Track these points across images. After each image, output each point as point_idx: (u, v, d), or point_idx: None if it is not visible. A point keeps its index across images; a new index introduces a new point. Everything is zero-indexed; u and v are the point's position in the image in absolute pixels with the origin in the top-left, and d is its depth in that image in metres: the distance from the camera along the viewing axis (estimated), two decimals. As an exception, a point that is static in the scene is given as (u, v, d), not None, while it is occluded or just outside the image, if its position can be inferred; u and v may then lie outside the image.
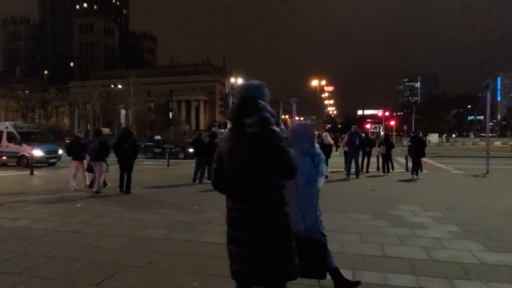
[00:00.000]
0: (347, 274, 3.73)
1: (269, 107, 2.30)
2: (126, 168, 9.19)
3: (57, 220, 6.18)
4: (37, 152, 16.96)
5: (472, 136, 68.74)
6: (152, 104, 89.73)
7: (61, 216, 6.50)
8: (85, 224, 5.93)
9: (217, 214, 6.63)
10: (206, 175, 11.40)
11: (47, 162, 17.57)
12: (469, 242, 4.83)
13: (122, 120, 16.44)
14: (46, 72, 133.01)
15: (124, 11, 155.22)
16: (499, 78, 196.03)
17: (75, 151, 10.20)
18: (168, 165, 16.88)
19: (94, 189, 9.20)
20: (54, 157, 18.06)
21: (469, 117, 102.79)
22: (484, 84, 13.01)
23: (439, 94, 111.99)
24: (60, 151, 18.68)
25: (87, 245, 4.76)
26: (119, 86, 60.27)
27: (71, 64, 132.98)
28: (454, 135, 67.93)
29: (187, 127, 71.51)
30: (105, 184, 9.51)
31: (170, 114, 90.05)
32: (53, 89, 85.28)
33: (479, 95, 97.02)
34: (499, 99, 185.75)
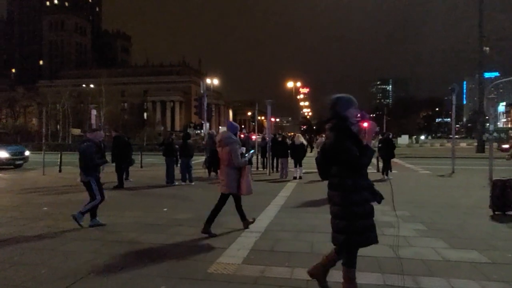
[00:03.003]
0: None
1: (347, 112, 3.01)
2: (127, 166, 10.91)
3: (22, 225, 5.95)
4: (2, 154, 16.23)
5: (429, 138, 70.84)
6: (125, 104, 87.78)
7: (26, 220, 6.25)
8: (52, 228, 5.73)
9: (188, 216, 6.59)
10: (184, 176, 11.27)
11: (13, 164, 16.83)
12: (433, 240, 5.03)
13: (93, 121, 16.01)
14: (13, 70, 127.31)
15: (97, 9, 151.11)
16: (464, 82, 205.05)
17: None
18: (141, 167, 16.55)
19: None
20: (21, 159, 17.31)
21: (437, 119, 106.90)
22: (450, 88, 13.53)
23: (409, 97, 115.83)
24: (27, 153, 17.93)
25: (52, 250, 4.60)
26: (91, 86, 58.55)
27: (40, 62, 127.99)
28: (423, 137, 70.34)
29: (162, 128, 70.41)
30: None
31: (145, 114, 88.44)
32: (21, 88, 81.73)
33: (445, 98, 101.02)
34: (465, 102, 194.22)
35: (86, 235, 5.32)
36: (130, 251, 4.55)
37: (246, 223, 5.62)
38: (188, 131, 28.05)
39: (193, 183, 11.15)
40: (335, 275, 3.44)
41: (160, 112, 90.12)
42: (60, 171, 14.64)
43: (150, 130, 56.94)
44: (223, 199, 5.40)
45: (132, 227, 5.76)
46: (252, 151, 6.39)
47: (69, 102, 58.17)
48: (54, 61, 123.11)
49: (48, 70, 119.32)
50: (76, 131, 57.67)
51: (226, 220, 6.24)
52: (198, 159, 15.39)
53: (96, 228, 5.69)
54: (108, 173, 11.98)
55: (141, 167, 16.61)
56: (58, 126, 60.91)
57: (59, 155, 15.44)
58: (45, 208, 7.33)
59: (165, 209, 7.06)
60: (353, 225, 2.97)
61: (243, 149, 5.53)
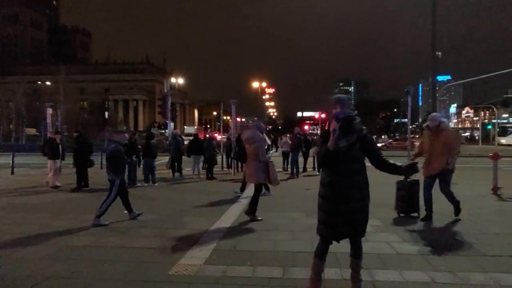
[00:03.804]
0: (277, 272, 3.89)
1: (333, 111, 3.14)
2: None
3: (-32, 231, 5.56)
4: None
5: (386, 137, 73.38)
6: (85, 103, 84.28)
7: (-27, 227, 5.86)
8: (2, 233, 5.41)
9: (151, 217, 6.47)
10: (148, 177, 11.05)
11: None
12: (388, 235, 5.29)
13: (49, 120, 15.23)
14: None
15: (54, 3, 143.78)
16: (420, 85, 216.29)
17: (49, 151, 10.67)
18: (101, 168, 15.96)
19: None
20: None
21: (395, 119, 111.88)
22: (406, 90, 14.15)
23: (370, 98, 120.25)
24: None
25: (3, 257, 4.35)
26: (48, 83, 55.59)
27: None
28: (383, 136, 73.35)
29: (125, 127, 68.28)
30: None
31: (106, 114, 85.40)
32: (-31, 85, 76.03)
33: (402, 100, 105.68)
34: (420, 103, 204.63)
35: (41, 240, 5.08)
36: (88, 255, 4.40)
37: (253, 218, 6.17)
38: (152, 131, 27.46)
39: (156, 184, 10.96)
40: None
41: (122, 111, 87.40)
42: (12, 173, 13.85)
43: (112, 130, 55.07)
44: (258, 188, 6.33)
45: (91, 230, 5.57)
46: (273, 150, 7.53)
47: (23, 100, 54.92)
48: (7, 57, 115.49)
49: (0, 66, 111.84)
50: (31, 131, 54.61)
51: (188, 220, 6.22)
52: (162, 160, 15.10)
53: (54, 232, 5.44)
54: (66, 174, 11.50)
55: (101, 168, 16.01)
56: (11, 126, 57.38)
57: (11, 156, 14.57)
58: (-5, 213, 6.90)
59: (126, 211, 6.87)
60: (318, 214, 3.26)
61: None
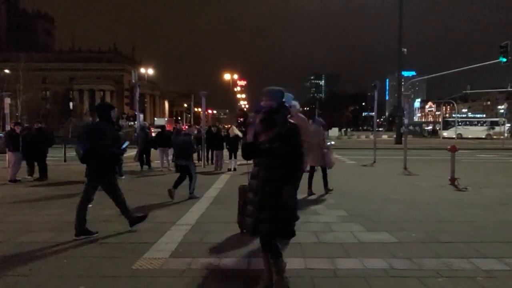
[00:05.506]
0: (242, 263, 3.92)
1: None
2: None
3: None
4: None
5: (350, 131, 74.21)
6: (48, 92, 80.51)
7: None
8: (-48, 231, 5.09)
9: (115, 211, 6.28)
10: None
11: None
12: (352, 224, 5.45)
13: (7, 111, 14.39)
14: None
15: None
16: (387, 80, 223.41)
17: (11, 143, 10.27)
18: (65, 161, 15.34)
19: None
20: None
21: (363, 113, 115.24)
22: (373, 84, 14.59)
23: (340, 92, 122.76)
24: None
25: (-49, 255, 4.11)
26: (6, 71, 52.46)
27: None
28: (349, 129, 75.15)
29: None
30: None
31: (71, 104, 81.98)
32: None
33: (369, 94, 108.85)
34: (387, 98, 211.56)
35: (-5, 236, 4.82)
36: (46, 252, 4.23)
37: (327, 189, 7.97)
38: (120, 122, 26.64)
39: (123, 177, 10.67)
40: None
41: (88, 102, 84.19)
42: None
43: (77, 120, 52.94)
44: (312, 170, 7.85)
45: (50, 226, 5.36)
46: (332, 142, 8.86)
47: (-21, 89, 51.49)
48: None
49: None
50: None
51: (155, 214, 6.12)
52: (130, 152, 14.71)
53: (10, 229, 5.19)
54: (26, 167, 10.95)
55: (65, 161, 15.42)
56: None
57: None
58: None
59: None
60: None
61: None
